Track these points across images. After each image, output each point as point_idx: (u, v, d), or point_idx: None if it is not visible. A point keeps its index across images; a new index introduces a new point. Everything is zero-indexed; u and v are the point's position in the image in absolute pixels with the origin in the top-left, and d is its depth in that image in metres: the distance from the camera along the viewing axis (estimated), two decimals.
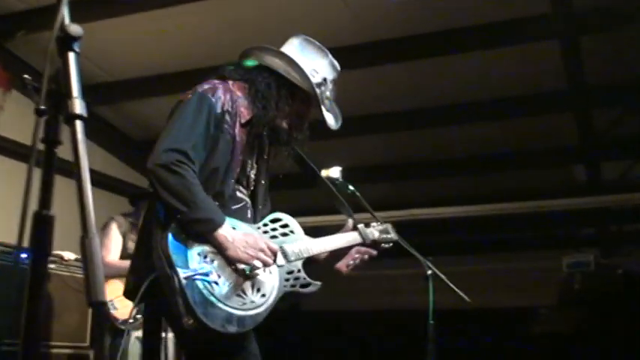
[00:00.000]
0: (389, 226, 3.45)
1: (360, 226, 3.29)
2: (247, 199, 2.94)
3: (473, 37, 6.05)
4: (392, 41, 6.18)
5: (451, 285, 3.81)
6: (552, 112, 7.06)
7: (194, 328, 2.45)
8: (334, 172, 3.53)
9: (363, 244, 3.25)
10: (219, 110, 2.79)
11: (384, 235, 3.39)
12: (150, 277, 2.54)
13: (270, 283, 2.76)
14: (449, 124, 7.45)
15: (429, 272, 3.82)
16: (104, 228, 5.22)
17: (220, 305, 2.52)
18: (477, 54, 6.28)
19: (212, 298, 2.51)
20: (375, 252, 3.27)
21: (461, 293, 3.79)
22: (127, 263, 5.09)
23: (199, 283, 2.50)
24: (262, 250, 2.70)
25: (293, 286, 2.85)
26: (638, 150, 7.49)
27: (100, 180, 7.45)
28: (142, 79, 7.08)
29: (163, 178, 2.56)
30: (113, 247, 5.18)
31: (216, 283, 2.55)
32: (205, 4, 5.71)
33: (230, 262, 2.63)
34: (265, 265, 2.70)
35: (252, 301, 2.65)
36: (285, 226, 2.98)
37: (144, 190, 5.61)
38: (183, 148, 2.62)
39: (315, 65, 3.05)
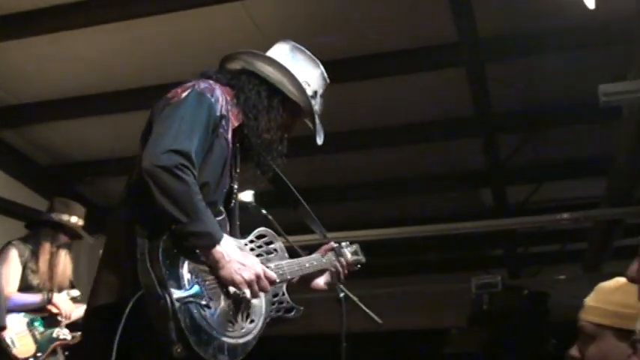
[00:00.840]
0: (358, 247, 3.35)
1: (336, 246, 3.14)
2: (224, 212, 2.66)
3: (381, 64, 6.14)
4: None
5: (363, 307, 3.82)
6: (460, 137, 7.23)
7: (182, 357, 2.15)
8: (247, 196, 3.48)
9: (339, 263, 3.07)
10: (217, 113, 2.50)
11: (355, 257, 3.27)
12: (136, 296, 2.20)
13: (258, 307, 2.54)
14: (359, 149, 7.53)
15: (342, 295, 3.82)
16: (1, 254, 4.67)
17: (212, 332, 2.26)
18: (385, 80, 6.37)
19: (204, 324, 2.24)
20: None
21: (373, 315, 3.80)
22: (27, 297, 4.72)
23: (192, 306, 2.22)
24: (258, 276, 2.38)
25: (278, 310, 2.65)
26: (541, 174, 7.75)
27: (2, 206, 7.21)
28: (47, 103, 6.88)
29: (165, 183, 2.24)
30: (12, 277, 4.64)
31: (208, 306, 2.28)
32: (114, 26, 5.60)
33: (220, 282, 2.35)
34: (255, 294, 2.40)
35: (242, 328, 2.42)
36: (269, 243, 2.73)
37: (44, 215, 5.04)
38: (187, 150, 2.30)
39: (307, 76, 2.85)
